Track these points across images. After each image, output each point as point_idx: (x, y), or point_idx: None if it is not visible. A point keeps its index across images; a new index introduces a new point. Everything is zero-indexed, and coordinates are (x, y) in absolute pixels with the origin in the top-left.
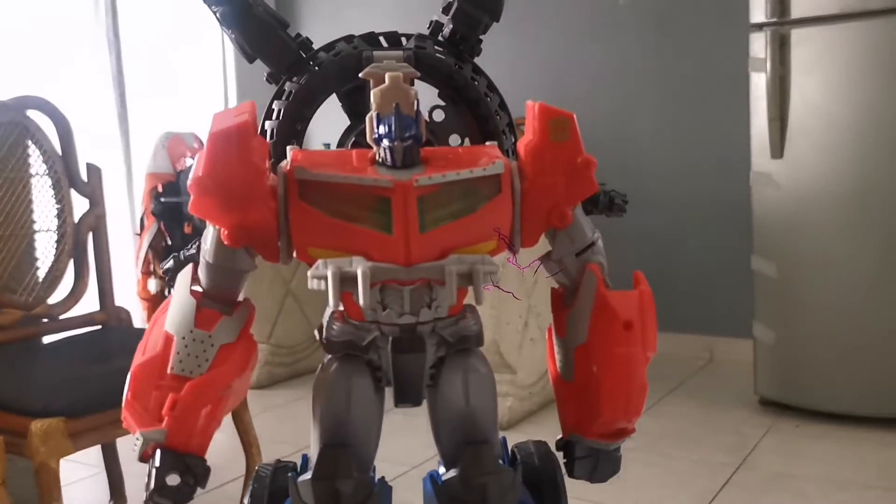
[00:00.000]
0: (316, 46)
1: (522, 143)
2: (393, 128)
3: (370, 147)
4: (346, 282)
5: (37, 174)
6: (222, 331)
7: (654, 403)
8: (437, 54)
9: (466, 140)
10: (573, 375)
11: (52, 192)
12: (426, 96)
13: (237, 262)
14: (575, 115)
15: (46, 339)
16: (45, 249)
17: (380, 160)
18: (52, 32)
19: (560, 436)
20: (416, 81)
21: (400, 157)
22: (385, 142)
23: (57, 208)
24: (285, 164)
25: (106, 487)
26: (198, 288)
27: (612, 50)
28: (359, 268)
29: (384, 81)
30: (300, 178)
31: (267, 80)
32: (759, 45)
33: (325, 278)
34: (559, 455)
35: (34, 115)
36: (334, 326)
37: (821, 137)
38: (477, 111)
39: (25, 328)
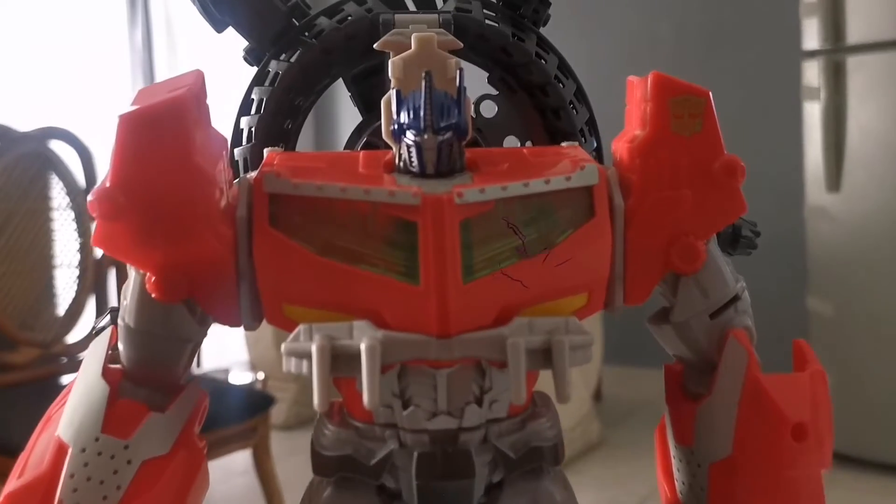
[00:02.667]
0: (315, 10)
1: (624, 141)
2: (422, 112)
3: (388, 147)
4: (341, 363)
5: (59, 207)
6: (148, 437)
7: None
8: (488, 20)
9: (528, 144)
10: None
11: (74, 225)
12: (472, 84)
13: (173, 325)
14: (711, 94)
15: (65, 379)
16: (65, 285)
17: (400, 164)
18: (79, 63)
19: None
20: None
21: (433, 158)
22: (409, 134)
23: (79, 242)
24: (253, 173)
25: None
26: (117, 366)
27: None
28: (363, 340)
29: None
30: (272, 191)
31: (245, 58)
32: (812, 74)
33: (308, 357)
34: None
35: (58, 146)
36: (326, 431)
37: (880, 168)
38: (543, 102)
39: (42, 367)
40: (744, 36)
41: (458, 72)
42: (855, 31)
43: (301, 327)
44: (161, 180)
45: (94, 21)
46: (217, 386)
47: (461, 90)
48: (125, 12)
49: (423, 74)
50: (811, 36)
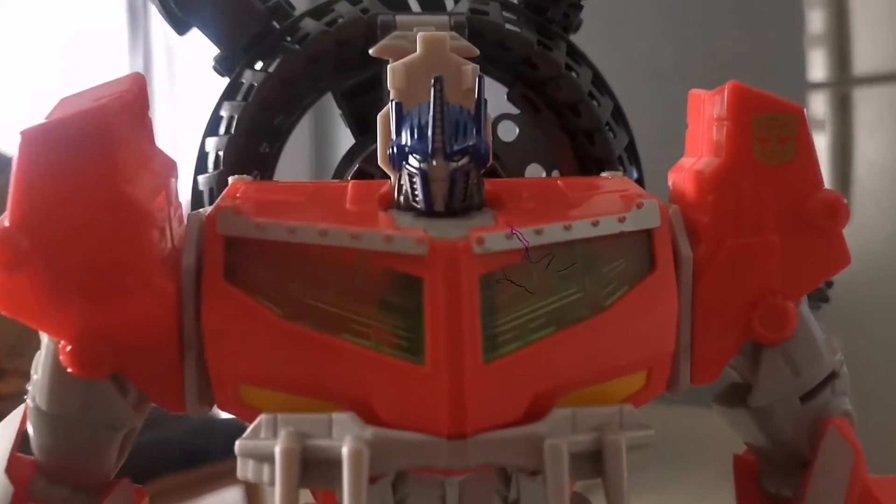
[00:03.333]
0: (300, 11)
1: (689, 171)
2: (430, 131)
3: (385, 177)
4: (315, 470)
5: None
6: None
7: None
8: (508, 25)
9: (555, 174)
10: None
11: None
12: (488, 101)
13: (97, 408)
14: (805, 112)
15: None
16: None
17: (401, 199)
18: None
19: None
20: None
21: (444, 191)
22: (413, 160)
23: None
24: (207, 209)
25: None
26: (30, 457)
27: (655, 111)
28: (346, 441)
29: None
30: (229, 233)
31: (214, 68)
32: (818, 105)
33: (271, 461)
34: None
35: None
36: None
37: (888, 201)
38: (574, 123)
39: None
40: (748, 66)
41: (476, 81)
42: (862, 63)
43: (262, 418)
44: (77, 217)
45: (94, 47)
46: (206, 420)
47: (481, 104)
48: (126, 39)
49: (433, 81)
50: (817, 67)
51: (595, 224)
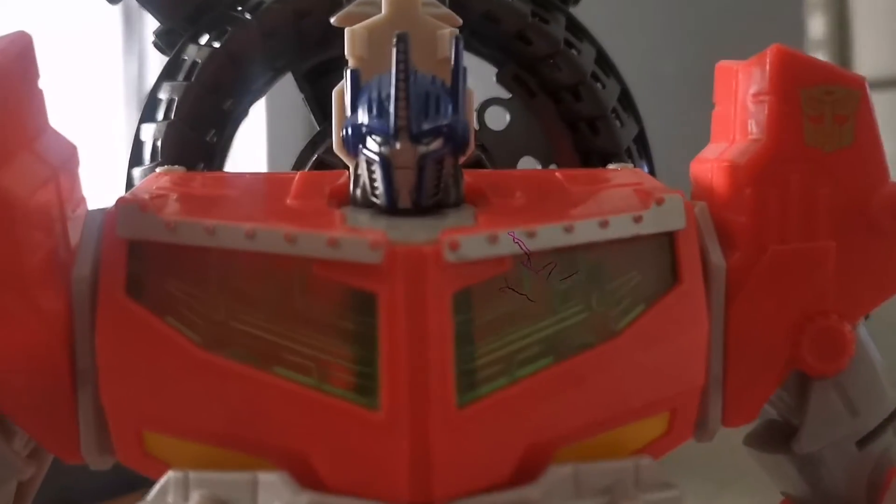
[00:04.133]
0: None
1: (718, 159)
2: (393, 104)
3: (343, 166)
4: None
5: None
6: None
7: None
8: None
9: (552, 168)
10: None
11: None
12: (473, 84)
13: None
14: (867, 83)
15: None
16: None
17: (357, 192)
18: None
19: None
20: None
21: (410, 181)
22: (371, 142)
23: None
24: (107, 205)
25: None
26: None
27: (654, 117)
28: None
29: None
30: (133, 236)
31: (155, 44)
32: None
33: None
34: None
35: None
36: None
37: None
38: (575, 109)
39: None
40: None
41: (453, 46)
42: (863, 67)
43: (170, 477)
44: None
45: (88, 50)
46: None
47: (459, 73)
48: (120, 42)
49: (394, 40)
50: None
51: (604, 225)
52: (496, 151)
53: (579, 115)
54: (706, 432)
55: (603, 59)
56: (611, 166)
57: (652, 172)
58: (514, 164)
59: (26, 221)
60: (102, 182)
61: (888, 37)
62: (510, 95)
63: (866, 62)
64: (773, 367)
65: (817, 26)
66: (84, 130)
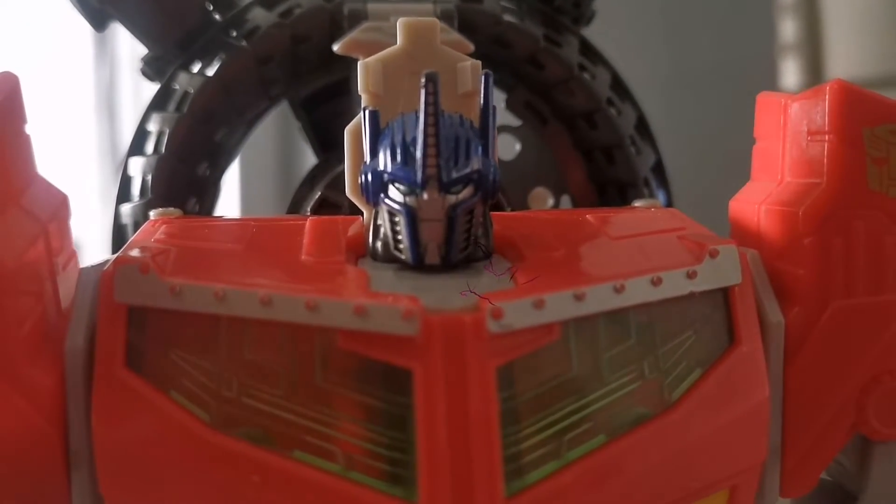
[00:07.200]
0: (246, 0)
1: (769, 202)
2: (421, 150)
3: (356, 211)
4: None
5: None
6: None
7: None
8: (507, 15)
9: (565, 199)
10: None
11: None
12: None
13: None
14: None
15: None
16: None
17: (377, 246)
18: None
19: None
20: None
21: (439, 236)
22: (395, 192)
23: None
24: (103, 261)
25: None
26: None
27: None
28: None
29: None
30: (133, 302)
31: (143, 71)
32: None
33: None
34: None
35: None
36: None
37: None
38: (589, 137)
39: None
40: (719, 77)
41: (483, 82)
42: (836, 71)
43: None
44: None
45: (58, 59)
46: None
47: (489, 114)
48: (91, 51)
49: (423, 81)
50: (791, 74)
51: (656, 283)
52: (506, 183)
53: (595, 144)
54: None
55: (618, 84)
56: (637, 203)
57: (670, 203)
58: (524, 196)
59: (13, 290)
60: (73, 193)
61: (860, 40)
62: (520, 123)
63: (839, 65)
64: (836, 432)
65: (788, 30)
66: (53, 139)
